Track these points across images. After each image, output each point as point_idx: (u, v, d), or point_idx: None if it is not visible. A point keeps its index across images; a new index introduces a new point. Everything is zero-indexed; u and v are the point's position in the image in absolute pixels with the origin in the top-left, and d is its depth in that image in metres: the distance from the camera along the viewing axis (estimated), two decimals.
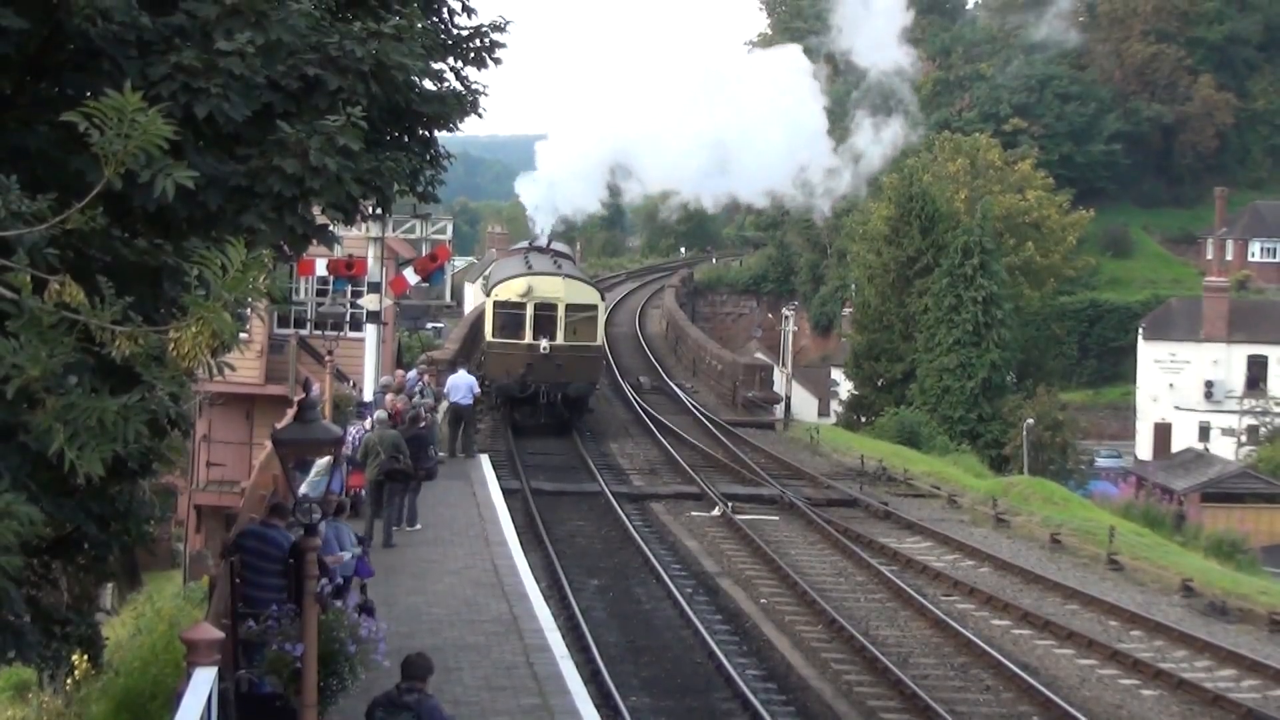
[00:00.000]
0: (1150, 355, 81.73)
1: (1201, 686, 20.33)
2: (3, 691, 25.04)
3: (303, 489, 9.93)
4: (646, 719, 18.11)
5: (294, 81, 9.08)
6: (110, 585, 28.79)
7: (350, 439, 22.06)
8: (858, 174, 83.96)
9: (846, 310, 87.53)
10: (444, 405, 34.12)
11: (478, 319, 48.52)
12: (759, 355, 71.67)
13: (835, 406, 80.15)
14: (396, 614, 17.48)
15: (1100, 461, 74.49)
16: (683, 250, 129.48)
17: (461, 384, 32.06)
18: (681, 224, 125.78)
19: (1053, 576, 27.09)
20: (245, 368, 31.36)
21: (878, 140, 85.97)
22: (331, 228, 10.94)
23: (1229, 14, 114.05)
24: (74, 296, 5.67)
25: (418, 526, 23.61)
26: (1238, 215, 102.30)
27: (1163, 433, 79.28)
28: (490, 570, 21.22)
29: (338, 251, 26.07)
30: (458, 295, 77.53)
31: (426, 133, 11.32)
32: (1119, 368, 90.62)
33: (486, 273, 62.82)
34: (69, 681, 20.79)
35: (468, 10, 12.10)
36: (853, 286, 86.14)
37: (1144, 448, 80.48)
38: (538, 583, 21.13)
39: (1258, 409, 74.66)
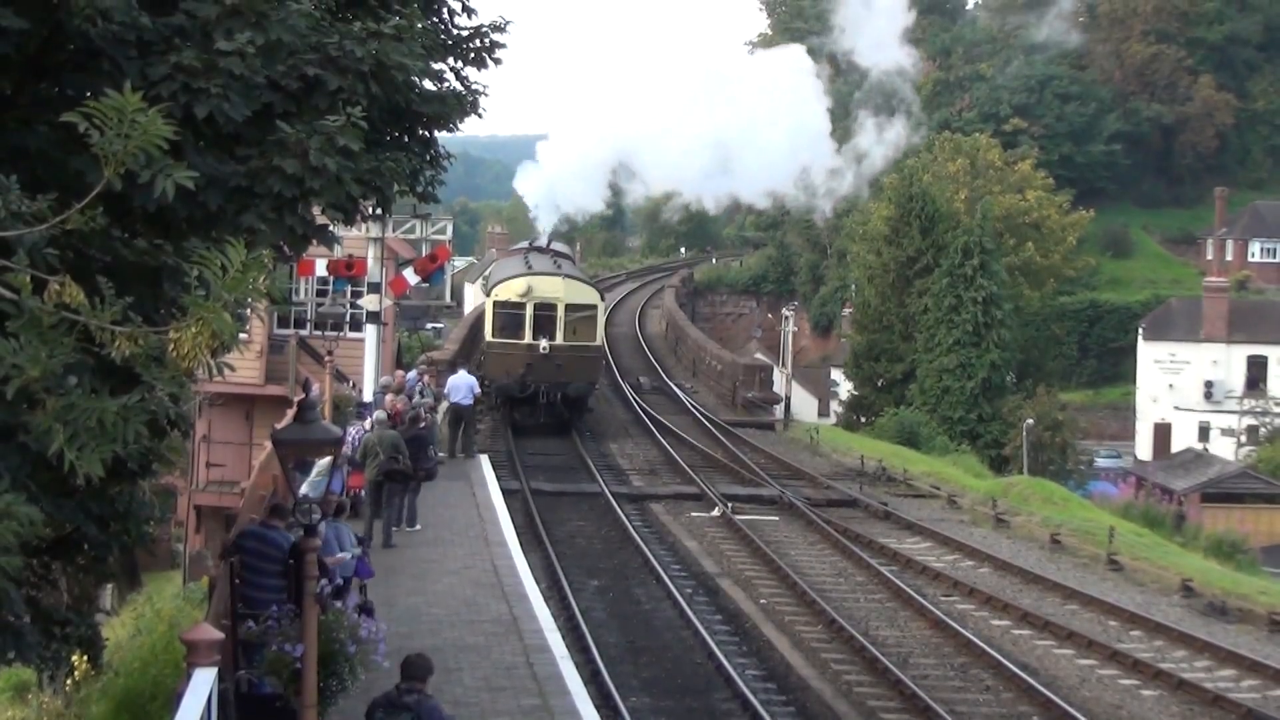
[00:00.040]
0: (1150, 355, 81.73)
1: (1201, 686, 20.33)
2: (2, 692, 25.03)
3: (304, 489, 9.92)
4: (646, 719, 18.11)
5: (294, 82, 9.07)
6: (110, 586, 28.78)
7: (350, 439, 22.06)
8: (860, 175, 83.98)
9: (846, 310, 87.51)
10: (443, 405, 34.13)
11: (477, 319, 48.53)
12: (759, 355, 71.67)
13: (835, 407, 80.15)
14: (396, 614, 17.48)
15: (1100, 462, 74.47)
16: (683, 250, 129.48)
17: (462, 384, 32.06)
18: (682, 224, 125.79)
19: (1052, 577, 27.08)
20: (245, 368, 31.37)
21: (881, 141, 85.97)
22: (331, 228, 10.94)
23: (1229, 14, 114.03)
24: (74, 297, 5.67)
25: (417, 527, 23.61)
26: (1238, 215, 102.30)
27: (1162, 433, 79.29)
28: (490, 571, 21.22)
29: (338, 252, 26.07)
30: (457, 295, 77.49)
31: (426, 133, 11.32)
32: (1119, 368, 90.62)
33: (486, 273, 62.84)
34: (69, 682, 20.78)
35: (468, 10, 12.11)
36: (853, 287, 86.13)
37: (1144, 448, 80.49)
38: (537, 583, 21.14)
39: (1257, 409, 74.66)
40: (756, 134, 57.11)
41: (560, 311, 39.12)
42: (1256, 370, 78.93)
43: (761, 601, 24.23)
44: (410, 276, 31.97)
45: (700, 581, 25.76)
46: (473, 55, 11.82)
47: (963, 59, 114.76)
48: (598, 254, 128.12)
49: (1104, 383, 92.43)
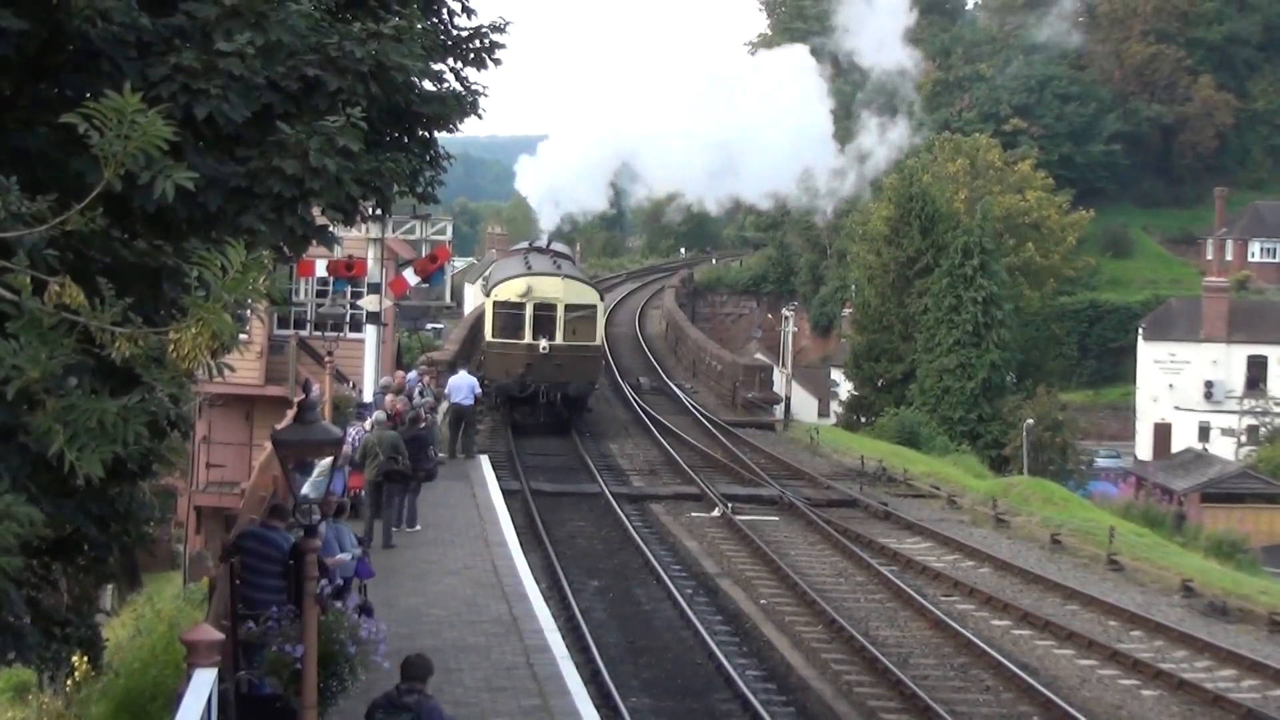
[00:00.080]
0: (1150, 355, 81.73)
1: (1201, 687, 20.32)
2: (3, 693, 25.04)
3: (305, 489, 9.91)
4: (646, 719, 18.11)
5: (294, 82, 9.07)
6: (110, 586, 28.77)
7: (350, 440, 22.06)
8: (862, 176, 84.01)
9: (846, 311, 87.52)
10: (443, 406, 34.14)
11: (477, 319, 48.56)
12: (759, 356, 71.68)
13: (835, 407, 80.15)
14: (396, 615, 17.48)
15: (1100, 462, 74.45)
16: (683, 251, 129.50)
17: (463, 385, 32.06)
18: (682, 225, 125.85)
19: (1053, 577, 27.08)
20: (245, 369, 31.38)
21: (884, 141, 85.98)
22: (331, 229, 10.94)
23: (1229, 14, 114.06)
24: (74, 298, 5.67)
25: (417, 527, 23.61)
26: (1237, 215, 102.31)
27: (1162, 433, 79.29)
28: (490, 571, 21.22)
29: (337, 252, 26.10)
30: (457, 296, 77.49)
31: (426, 133, 11.31)
32: (1119, 368, 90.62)
33: (486, 273, 62.85)
34: (69, 683, 20.78)
35: (467, 11, 12.10)
36: (852, 287, 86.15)
37: (1144, 448, 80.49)
38: (538, 583, 21.14)
39: (1257, 409, 74.66)
40: (759, 135, 57.11)
41: (560, 311, 39.16)
42: (1256, 370, 78.92)
43: (761, 602, 24.23)
44: (410, 277, 32.00)
45: (700, 582, 25.77)
46: (472, 56, 11.82)
47: (962, 59, 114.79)
48: (598, 254, 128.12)
49: (1104, 383, 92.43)
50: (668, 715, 18.52)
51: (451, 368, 38.04)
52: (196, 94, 8.40)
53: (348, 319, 34.95)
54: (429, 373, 34.96)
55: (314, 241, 10.34)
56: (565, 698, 15.06)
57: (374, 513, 22.79)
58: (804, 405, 68.67)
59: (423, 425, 24.69)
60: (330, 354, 27.91)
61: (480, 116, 11.60)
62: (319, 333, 34.03)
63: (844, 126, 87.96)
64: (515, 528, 25.13)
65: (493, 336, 40.02)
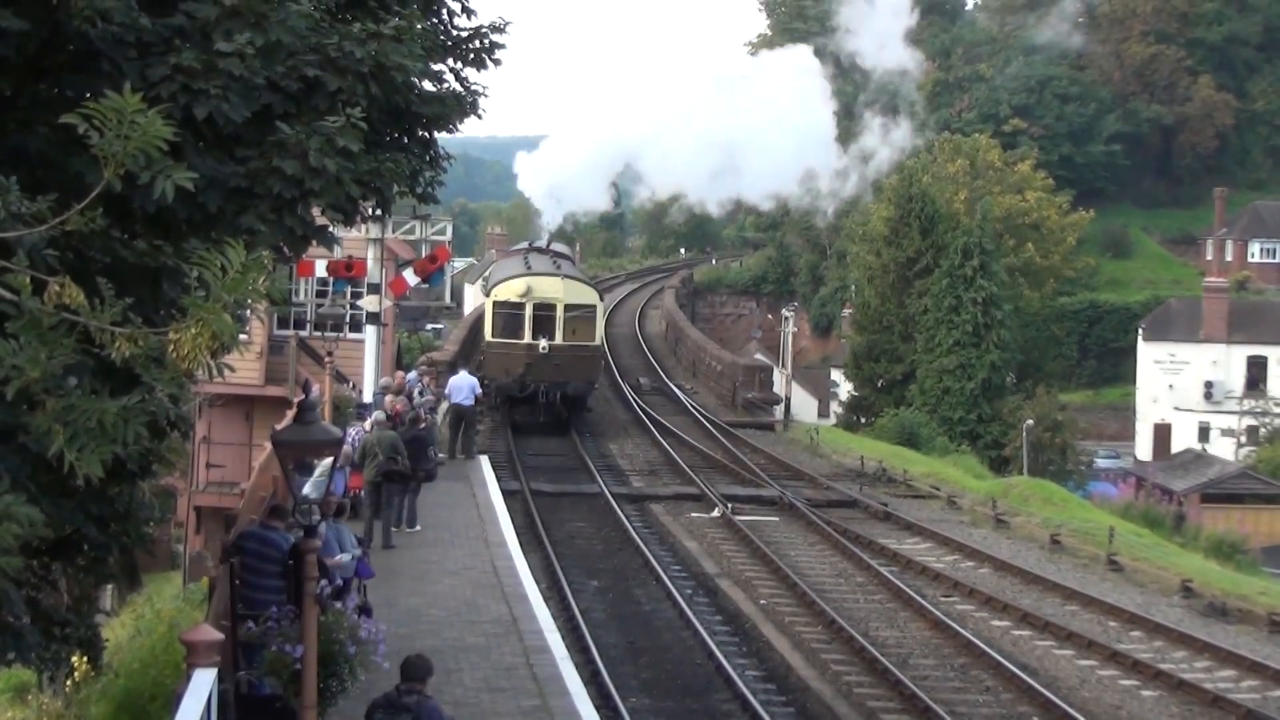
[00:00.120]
0: (1150, 356, 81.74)
1: (1201, 687, 20.32)
2: (2, 693, 25.03)
3: (307, 489, 9.92)
4: None
5: (293, 83, 9.08)
6: (110, 587, 28.76)
7: (349, 440, 22.05)
8: (864, 177, 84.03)
9: (846, 311, 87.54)
10: (443, 406, 34.13)
11: (477, 320, 48.59)
12: (759, 356, 71.62)
13: (835, 407, 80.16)
14: (396, 615, 17.48)
15: (1100, 462, 74.48)
16: (682, 251, 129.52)
17: (463, 385, 32.04)
18: (682, 225, 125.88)
19: (1052, 577, 27.08)
20: (245, 369, 31.39)
21: (887, 142, 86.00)
22: (331, 229, 10.94)
23: (1228, 15, 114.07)
24: (74, 298, 5.67)
25: (417, 528, 23.60)
26: (1237, 216, 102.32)
27: (1162, 433, 79.29)
28: (490, 571, 21.22)
29: (337, 253, 26.10)
30: (457, 296, 77.46)
31: (426, 134, 11.32)
32: (1119, 368, 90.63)
33: (486, 273, 62.88)
34: (69, 683, 20.78)
35: (467, 11, 12.11)
36: (852, 287, 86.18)
37: (1144, 448, 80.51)
38: (537, 584, 21.13)
39: (1257, 409, 74.67)
40: (762, 135, 57.13)
41: (559, 311, 39.21)
42: (1256, 371, 78.94)
43: (761, 602, 24.23)
44: (410, 277, 32.00)
45: (700, 582, 25.76)
46: (472, 56, 11.82)
47: (962, 59, 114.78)
48: (598, 255, 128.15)
49: (1104, 383, 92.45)
50: (667, 716, 18.52)
51: (452, 368, 38.04)
52: (196, 94, 8.40)
53: (347, 319, 34.96)
54: (429, 373, 34.96)
55: (314, 242, 10.34)
56: (565, 698, 15.06)
57: (373, 513, 22.78)
58: (804, 406, 68.68)
59: (422, 425, 24.68)
60: (330, 354, 27.90)
61: (480, 117, 11.60)
62: (319, 333, 34.04)
63: (844, 127, 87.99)
64: (515, 528, 25.13)
65: (492, 336, 40.08)
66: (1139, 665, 21.43)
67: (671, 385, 53.06)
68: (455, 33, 11.98)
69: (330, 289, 33.19)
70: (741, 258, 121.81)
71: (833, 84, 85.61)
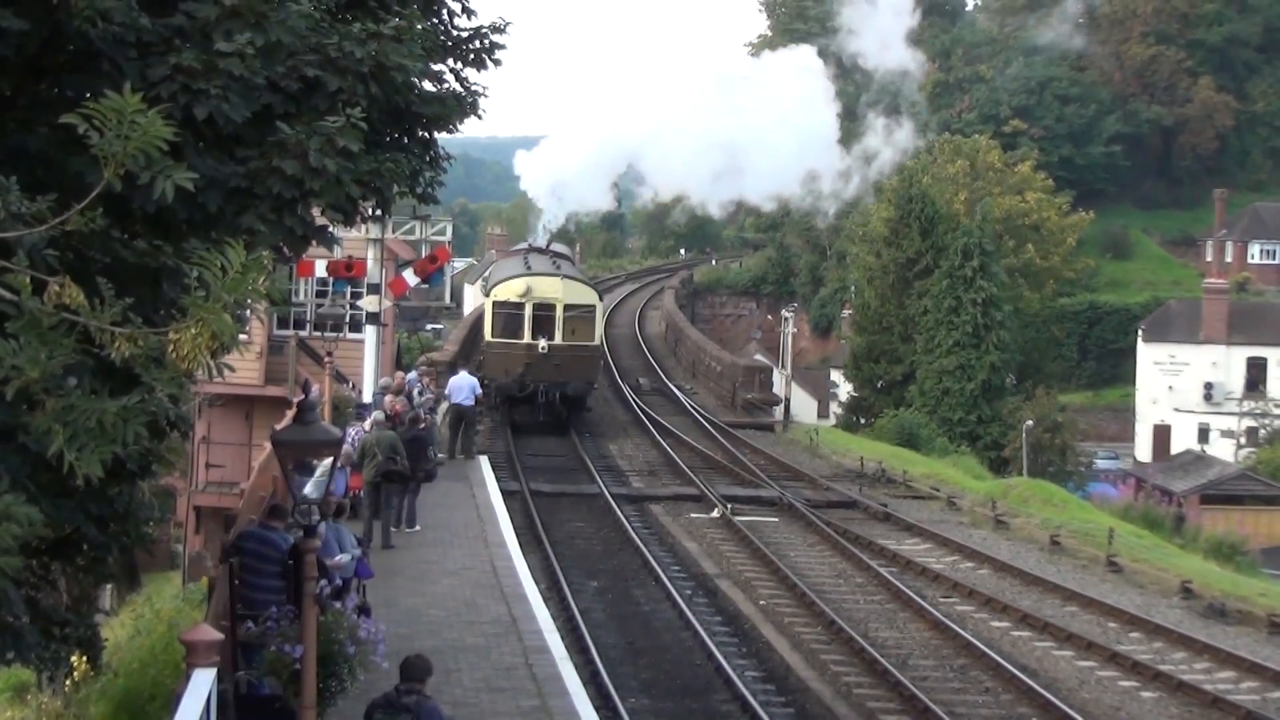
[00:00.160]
0: (1150, 357, 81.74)
1: (1201, 688, 20.32)
2: (2, 693, 25.03)
3: (308, 488, 9.92)
4: None
5: (294, 83, 9.08)
6: (109, 586, 28.77)
7: (349, 441, 22.06)
8: (867, 179, 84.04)
9: (846, 312, 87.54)
10: (443, 406, 34.13)
11: (477, 320, 48.62)
12: (758, 357, 71.60)
13: (835, 408, 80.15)
14: (395, 615, 17.48)
15: (1099, 463, 74.49)
16: (682, 252, 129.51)
17: (464, 385, 32.03)
18: (683, 226, 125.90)
19: (1052, 578, 27.08)
20: (245, 369, 31.39)
21: (890, 143, 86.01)
22: (331, 229, 10.95)
23: (1229, 16, 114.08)
24: (74, 298, 5.67)
25: (417, 528, 23.60)
26: (1237, 217, 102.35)
27: (1162, 435, 79.29)
28: (489, 572, 21.22)
29: (337, 253, 26.12)
30: (457, 297, 77.49)
31: (426, 134, 11.32)
32: (1118, 370, 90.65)
33: (486, 274, 62.89)
34: (68, 683, 20.77)
35: (467, 11, 12.11)
36: (852, 288, 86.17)
37: (1143, 449, 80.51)
38: (537, 584, 21.13)
39: (1257, 411, 74.68)
40: (766, 136, 57.13)
41: (559, 311, 39.25)
42: (1256, 372, 78.94)
43: (761, 603, 24.23)
44: (410, 277, 32.01)
45: (700, 583, 25.76)
46: (472, 56, 11.82)
47: (962, 60, 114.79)
48: (598, 255, 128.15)
49: (1103, 384, 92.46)
50: (667, 716, 18.52)
51: (452, 368, 38.05)
52: (196, 94, 8.40)
53: (347, 319, 34.96)
54: (429, 373, 34.97)
55: (314, 242, 10.35)
56: (564, 698, 15.06)
57: (372, 513, 22.78)
58: (803, 406, 68.68)
59: (422, 426, 24.68)
60: (330, 354, 27.91)
61: (480, 117, 11.61)
62: (319, 333, 34.05)
63: (846, 128, 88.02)
64: (514, 528, 25.13)
65: (492, 336, 40.12)
66: (1139, 666, 21.43)
67: (671, 386, 53.05)
68: (455, 33, 11.98)
69: (330, 289, 33.21)
70: (741, 258, 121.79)
71: (835, 84, 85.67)
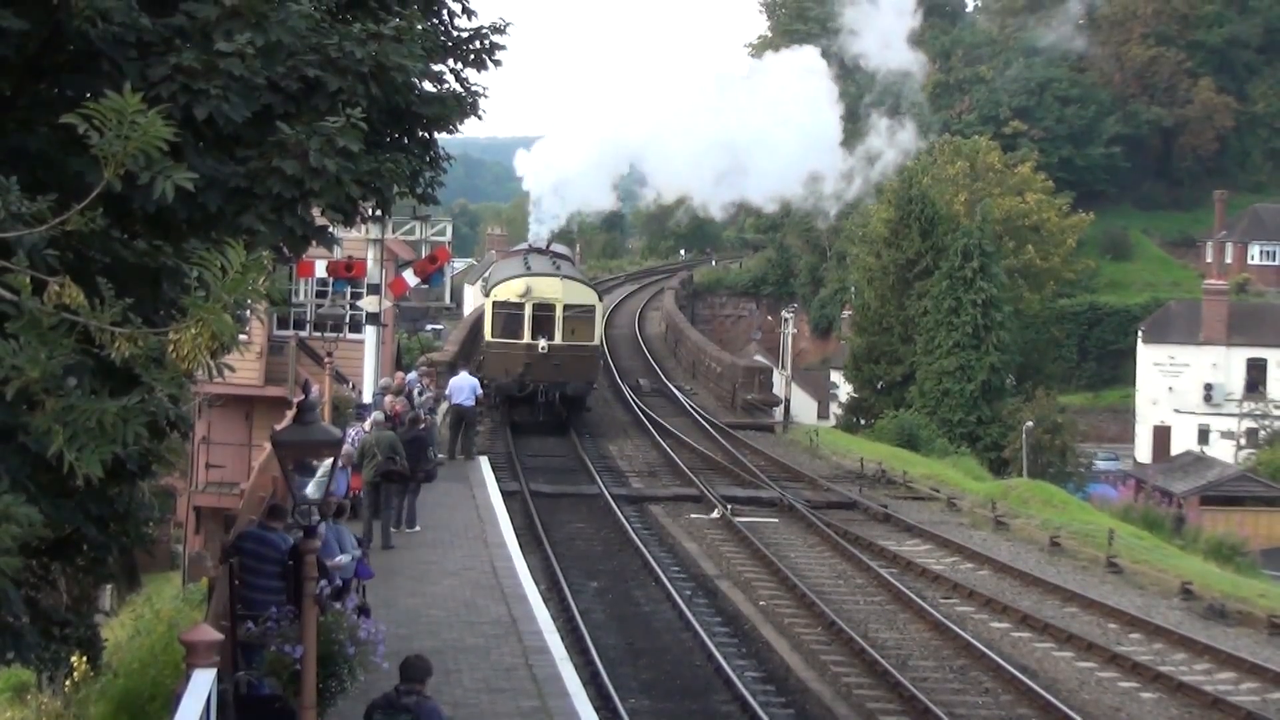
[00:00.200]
0: (1149, 358, 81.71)
1: (1201, 689, 20.32)
2: (1, 693, 25.02)
3: (309, 488, 9.91)
4: None
5: (294, 83, 9.07)
6: (109, 587, 28.78)
7: (349, 441, 22.05)
8: (869, 180, 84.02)
9: (846, 313, 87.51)
10: (443, 407, 34.12)
11: (477, 320, 48.66)
12: (758, 358, 71.58)
13: (835, 409, 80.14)
14: (395, 616, 17.47)
15: (1099, 464, 74.45)
16: (682, 252, 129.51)
17: (464, 385, 32.03)
18: (683, 227, 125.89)
19: (1052, 579, 27.08)
20: (245, 369, 31.38)
21: (893, 144, 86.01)
22: (331, 229, 10.94)
23: (1229, 17, 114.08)
24: (74, 298, 5.67)
25: (417, 529, 23.59)
26: (1237, 218, 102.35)
27: (1162, 435, 79.26)
28: (489, 572, 21.21)
29: (337, 253, 26.13)
30: (457, 297, 77.52)
31: (426, 134, 11.31)
32: (1118, 371, 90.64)
33: (486, 274, 62.92)
34: (68, 683, 20.77)
35: (468, 12, 12.11)
36: (852, 289, 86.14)
37: (1143, 450, 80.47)
38: (537, 585, 21.13)
39: (1257, 412, 74.65)
40: (768, 136, 57.13)
41: (559, 311, 39.30)
42: (1256, 373, 78.92)
43: (761, 603, 24.22)
44: (410, 278, 32.02)
45: (700, 583, 25.76)
46: (472, 57, 11.82)
47: (962, 61, 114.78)
48: (598, 256, 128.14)
49: (1103, 385, 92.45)
50: (667, 717, 18.52)
51: (452, 368, 38.06)
52: (196, 94, 8.40)
53: (347, 320, 34.95)
54: (429, 374, 34.97)
55: (314, 242, 10.34)
56: (564, 699, 15.06)
57: (372, 513, 22.78)
58: (803, 407, 68.66)
59: (422, 426, 24.67)
60: (330, 355, 27.91)
61: (480, 118, 11.60)
62: (319, 333, 34.04)
63: (847, 129, 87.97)
64: (514, 529, 25.13)
65: (492, 336, 40.17)
66: (1139, 667, 21.43)
67: (671, 386, 53.06)
68: (455, 33, 11.98)
69: (330, 289, 33.21)
70: (741, 259, 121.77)
71: (837, 85, 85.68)
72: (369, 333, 29.78)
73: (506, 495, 28.93)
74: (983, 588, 26.19)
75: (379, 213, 11.49)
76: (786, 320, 59.65)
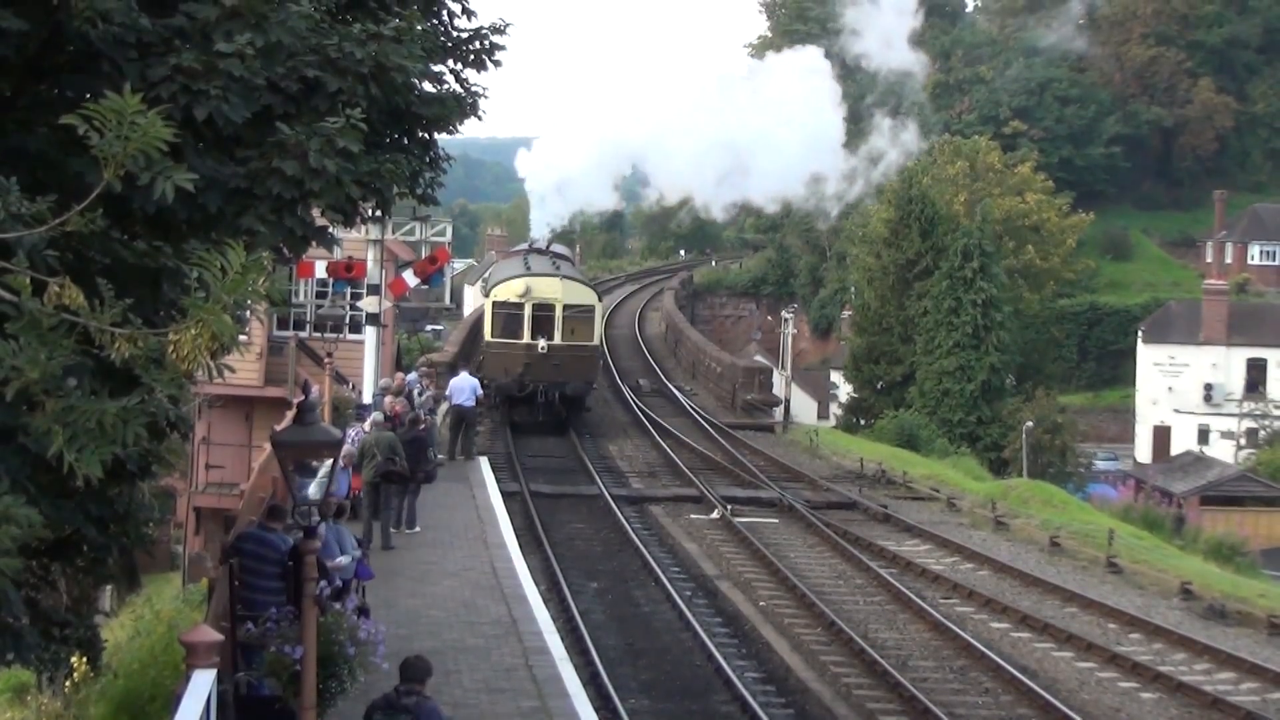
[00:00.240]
0: (1149, 358, 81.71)
1: (1201, 689, 20.33)
2: (1, 693, 25.02)
3: (310, 489, 9.91)
4: None
5: (294, 83, 9.07)
6: (109, 587, 28.76)
7: (349, 441, 22.05)
8: (871, 181, 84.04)
9: (846, 313, 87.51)
10: (443, 407, 34.11)
11: (477, 320, 48.68)
12: (758, 358, 71.58)
13: (834, 409, 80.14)
14: (395, 616, 17.47)
15: (1099, 464, 74.45)
16: (682, 253, 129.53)
17: (465, 386, 32.02)
18: (684, 227, 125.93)
19: (1052, 579, 27.08)
20: (245, 370, 31.39)
21: (896, 144, 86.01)
22: (331, 230, 10.94)
23: (1228, 17, 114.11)
24: (74, 299, 5.67)
25: (417, 529, 23.59)
26: (1237, 218, 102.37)
27: (1162, 436, 79.26)
28: (489, 573, 21.21)
29: (337, 254, 26.12)
30: (457, 297, 77.55)
31: (426, 135, 11.31)
32: (1118, 371, 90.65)
33: (486, 274, 62.93)
34: (68, 684, 20.76)
35: (467, 12, 12.10)
36: (852, 289, 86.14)
37: (1143, 451, 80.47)
38: (537, 585, 21.12)
39: (1257, 412, 74.65)
40: (771, 137, 57.14)
41: (558, 312, 39.33)
42: (1256, 373, 78.92)
43: (761, 604, 24.23)
44: (410, 278, 32.01)
45: (699, 584, 25.76)
46: (472, 57, 11.81)
47: (962, 61, 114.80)
48: (597, 256, 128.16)
49: (1103, 385, 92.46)
50: (667, 717, 18.53)
51: (452, 369, 38.07)
52: (196, 95, 8.40)
53: (347, 320, 34.95)
54: (428, 374, 34.97)
55: (314, 243, 10.34)
56: (564, 699, 15.06)
57: (372, 514, 22.77)
58: (803, 407, 68.67)
59: (422, 427, 24.66)
60: (330, 355, 27.91)
61: (480, 118, 11.60)
62: (319, 334, 34.05)
63: (849, 129, 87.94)
64: (514, 529, 25.12)
65: (492, 336, 40.21)
66: (1138, 667, 21.43)
67: (671, 387, 53.07)
68: (455, 34, 11.97)
69: (330, 290, 33.21)
70: (741, 259, 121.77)
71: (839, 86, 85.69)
72: (369, 333, 29.77)
73: (506, 496, 28.93)
74: (982, 588, 26.20)
75: (379, 213, 11.49)
76: (786, 320, 59.66)
